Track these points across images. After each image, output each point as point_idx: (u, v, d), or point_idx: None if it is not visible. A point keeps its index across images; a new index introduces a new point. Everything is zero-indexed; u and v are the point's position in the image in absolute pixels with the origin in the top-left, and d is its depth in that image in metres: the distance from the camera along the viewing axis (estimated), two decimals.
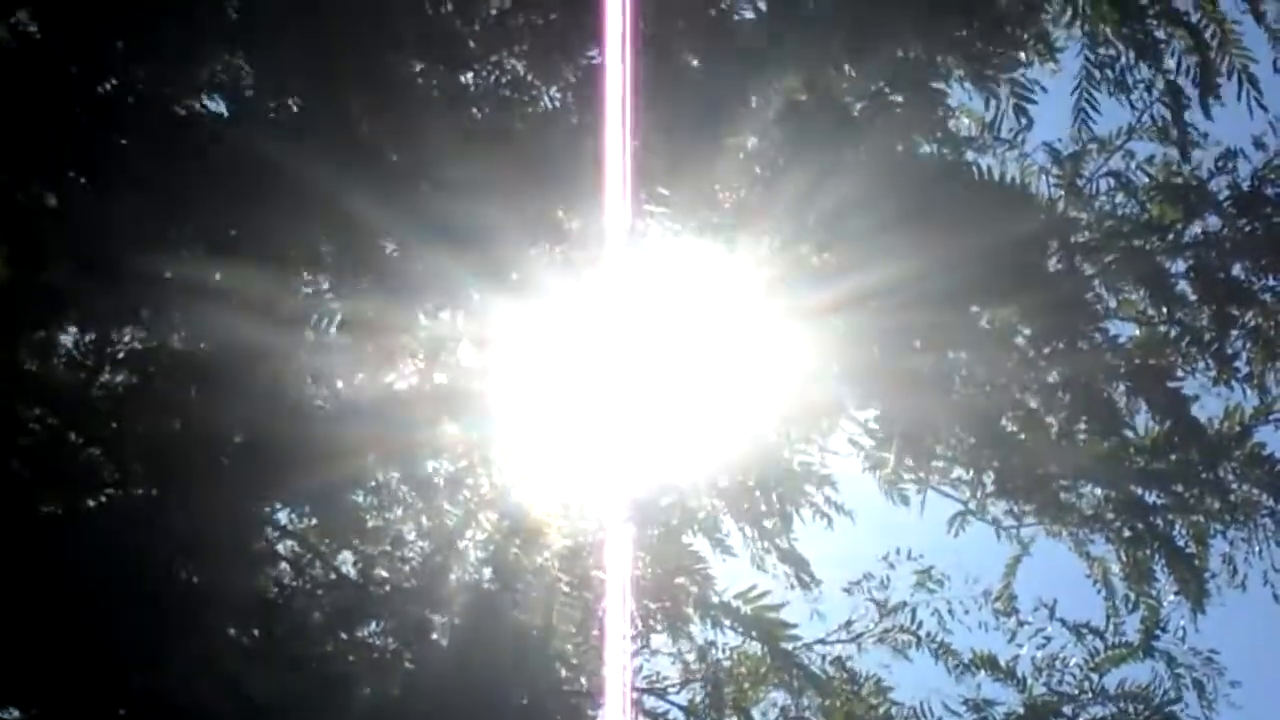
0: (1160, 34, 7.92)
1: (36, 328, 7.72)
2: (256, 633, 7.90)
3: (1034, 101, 7.75)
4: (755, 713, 9.72)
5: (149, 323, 7.97)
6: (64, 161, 7.45)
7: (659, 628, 9.26)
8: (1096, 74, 7.91)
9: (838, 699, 9.63)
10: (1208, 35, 7.97)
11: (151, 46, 7.39)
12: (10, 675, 7.38)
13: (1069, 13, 7.80)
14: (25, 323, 7.62)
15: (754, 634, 9.00)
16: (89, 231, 7.44)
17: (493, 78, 7.71)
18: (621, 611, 8.69)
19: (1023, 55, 7.81)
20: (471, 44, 7.62)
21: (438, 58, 7.61)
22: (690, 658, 9.59)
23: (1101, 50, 7.90)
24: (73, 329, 7.91)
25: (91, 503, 7.75)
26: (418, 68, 7.63)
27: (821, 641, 9.70)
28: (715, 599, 8.97)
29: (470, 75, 7.74)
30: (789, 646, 9.06)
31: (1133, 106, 8.14)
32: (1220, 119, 8.18)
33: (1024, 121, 7.84)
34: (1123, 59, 7.94)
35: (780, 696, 9.67)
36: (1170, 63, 7.98)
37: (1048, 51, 7.93)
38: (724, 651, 9.55)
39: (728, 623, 9.04)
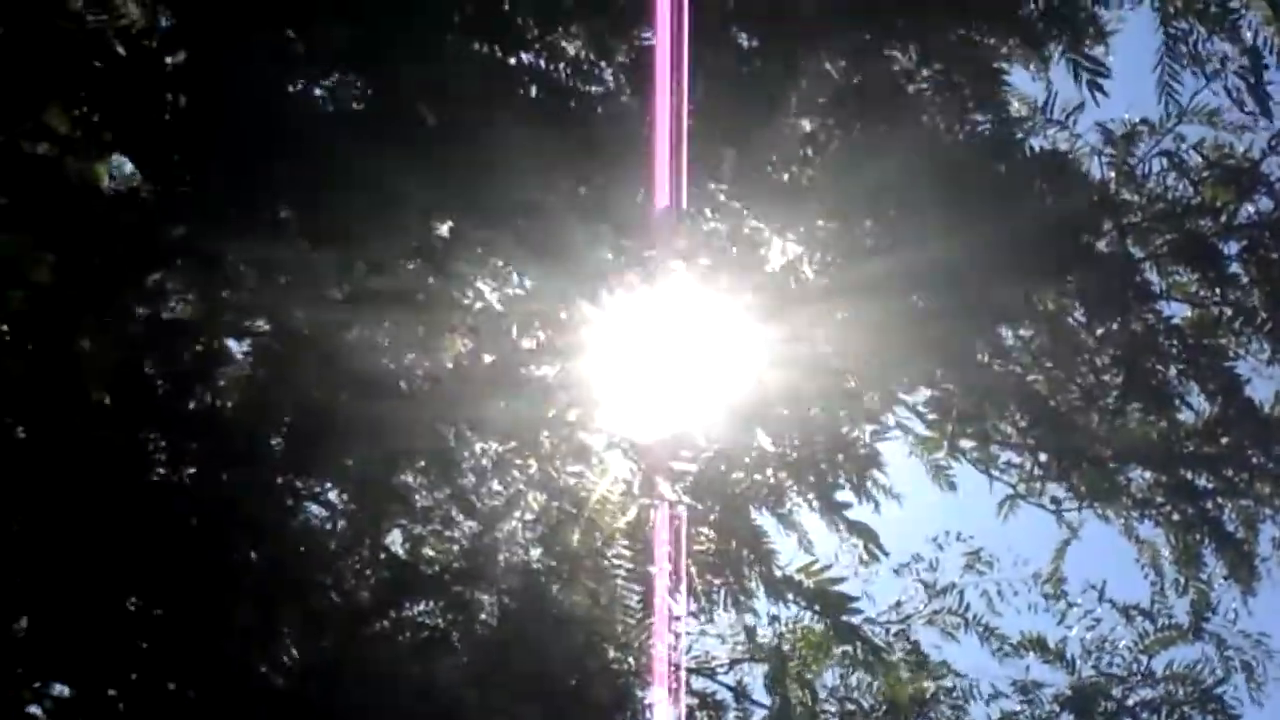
0: (1235, 3, 7.85)
1: (92, 309, 7.75)
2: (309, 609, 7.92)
3: (1108, 76, 7.70)
4: (818, 686, 9.76)
5: (199, 300, 8.00)
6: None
7: (721, 603, 9.26)
8: (1174, 49, 7.87)
9: (900, 672, 9.67)
10: None
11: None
12: (61, 651, 7.44)
13: None
14: (81, 303, 7.64)
15: (817, 607, 8.99)
16: (143, 211, 7.48)
17: (546, 58, 7.69)
18: (672, 591, 8.71)
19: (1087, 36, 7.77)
20: (526, 25, 7.60)
21: (492, 39, 7.60)
22: (740, 638, 9.62)
23: (1175, 25, 7.85)
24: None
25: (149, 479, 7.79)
26: (472, 48, 7.62)
27: (872, 621, 9.72)
28: (778, 573, 8.95)
29: (525, 56, 7.73)
30: (852, 620, 9.04)
31: (1208, 79, 8.10)
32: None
33: (1093, 101, 7.79)
34: (1196, 33, 7.90)
35: (839, 674, 9.74)
36: (1247, 35, 7.91)
37: (1100, 36, 7.87)
38: (787, 626, 9.57)
39: (791, 597, 9.02)
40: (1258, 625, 9.84)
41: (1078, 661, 10.05)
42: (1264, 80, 7.97)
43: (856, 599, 8.70)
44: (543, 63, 7.66)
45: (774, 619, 9.52)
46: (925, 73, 7.64)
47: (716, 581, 8.81)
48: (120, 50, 7.29)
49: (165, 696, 7.57)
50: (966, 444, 8.95)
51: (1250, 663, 9.92)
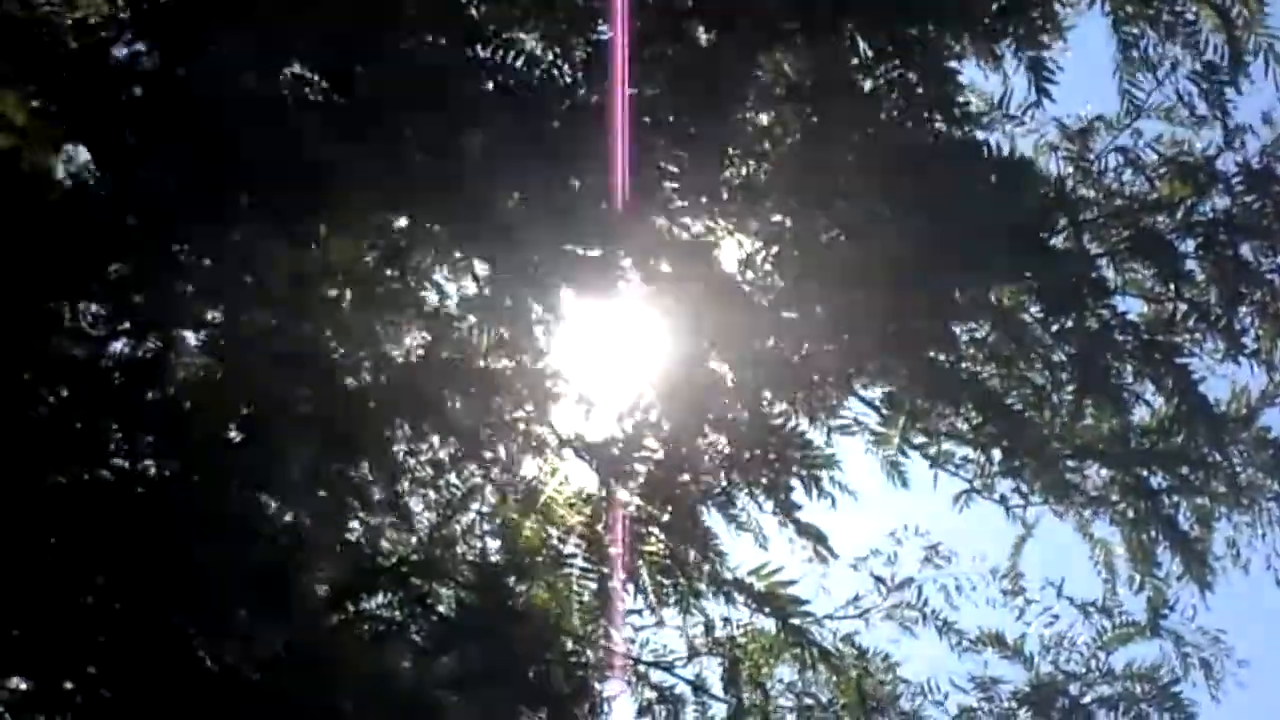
0: (1190, 14, 7.92)
1: (49, 299, 7.73)
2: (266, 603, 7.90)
3: (1055, 82, 7.77)
4: (769, 686, 9.75)
5: (160, 293, 7.99)
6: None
7: (671, 603, 9.27)
8: (1127, 53, 7.94)
9: (849, 674, 9.66)
10: (1233, 15, 7.97)
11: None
12: (18, 644, 7.42)
13: None
14: (38, 294, 7.63)
15: (767, 609, 9.01)
16: (102, 201, 7.47)
17: (503, 53, 7.70)
18: (628, 585, 8.74)
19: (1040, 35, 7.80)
20: (483, 19, 7.63)
21: (451, 35, 7.62)
22: (698, 632, 9.60)
23: (1127, 29, 7.91)
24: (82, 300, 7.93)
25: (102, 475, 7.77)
26: (429, 41, 7.63)
27: (829, 616, 9.72)
28: (729, 575, 8.97)
29: (483, 50, 7.73)
30: (801, 622, 9.05)
31: (1159, 84, 8.17)
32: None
33: (1043, 100, 7.85)
34: (1148, 38, 7.95)
35: (793, 671, 9.71)
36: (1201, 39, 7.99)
37: (1057, 31, 7.90)
38: (737, 627, 9.56)
39: (741, 598, 9.04)
40: (1218, 623, 9.85)
41: (1036, 658, 10.02)
42: (1219, 85, 8.03)
43: (806, 601, 8.74)
44: (499, 58, 7.68)
45: (726, 620, 9.49)
46: (879, 69, 7.65)
47: (667, 582, 8.84)
48: (74, 41, 7.32)
49: (123, 690, 7.57)
50: (920, 440, 8.94)
51: (1209, 660, 9.91)
